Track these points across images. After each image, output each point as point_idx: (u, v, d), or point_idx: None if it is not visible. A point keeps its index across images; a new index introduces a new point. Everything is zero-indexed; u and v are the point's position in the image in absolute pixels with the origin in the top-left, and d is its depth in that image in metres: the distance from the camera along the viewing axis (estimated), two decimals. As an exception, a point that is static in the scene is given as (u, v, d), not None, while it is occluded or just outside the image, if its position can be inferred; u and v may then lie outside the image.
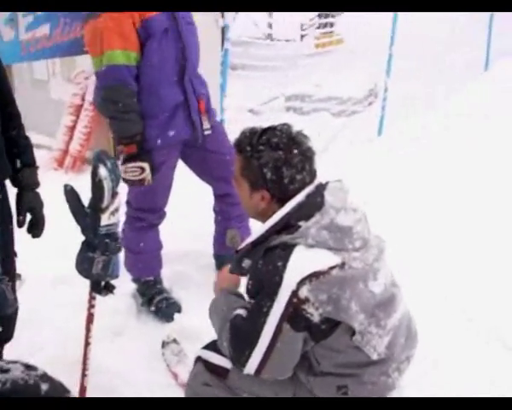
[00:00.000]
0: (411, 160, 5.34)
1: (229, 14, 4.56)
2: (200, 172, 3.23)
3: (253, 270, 1.81)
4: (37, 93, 6.50)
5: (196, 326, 2.93)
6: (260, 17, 10.54)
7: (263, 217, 1.85)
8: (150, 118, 2.85)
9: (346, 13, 8.49)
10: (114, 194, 1.92)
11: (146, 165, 2.81)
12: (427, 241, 3.82)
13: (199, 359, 2.06)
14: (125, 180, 2.83)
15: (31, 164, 2.34)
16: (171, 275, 3.40)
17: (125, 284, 3.19)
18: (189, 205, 4.16)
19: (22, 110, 2.34)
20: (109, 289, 2.08)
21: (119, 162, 2.77)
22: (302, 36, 10.97)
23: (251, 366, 1.76)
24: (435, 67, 8.38)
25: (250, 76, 5.71)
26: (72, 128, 6.36)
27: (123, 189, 2.76)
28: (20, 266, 2.45)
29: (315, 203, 1.78)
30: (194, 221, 4.00)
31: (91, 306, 2.10)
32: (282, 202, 1.80)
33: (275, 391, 1.87)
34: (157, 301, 3.15)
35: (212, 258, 3.50)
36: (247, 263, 1.86)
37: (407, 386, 1.97)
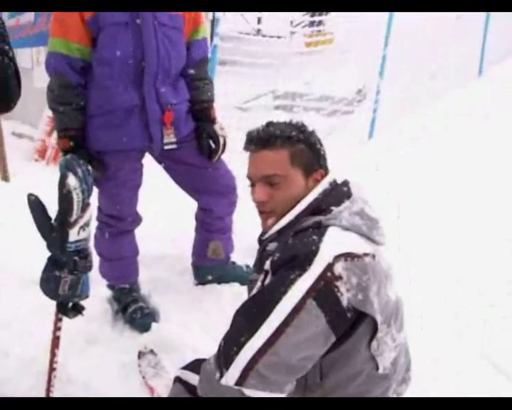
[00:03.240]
0: (411, 160, 5.32)
1: (219, 8, 4.41)
2: (183, 185, 3.06)
3: (281, 246, 1.62)
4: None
5: (175, 336, 2.82)
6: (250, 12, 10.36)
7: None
8: (97, 116, 2.64)
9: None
10: (85, 206, 1.75)
11: None
12: (426, 241, 3.80)
13: (178, 379, 1.93)
14: None
15: None
16: (149, 280, 3.25)
17: (100, 287, 3.06)
18: (166, 206, 4.05)
19: (5, 98, 2.18)
20: (78, 310, 1.92)
21: None
22: (292, 32, 10.85)
23: (245, 354, 1.47)
24: (428, 69, 8.34)
25: (239, 72, 5.59)
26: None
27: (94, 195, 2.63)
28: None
29: (342, 191, 1.73)
30: (172, 223, 3.89)
31: (57, 328, 1.94)
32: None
33: None
34: (131, 311, 2.99)
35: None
36: (272, 246, 1.69)
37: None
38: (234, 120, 5.22)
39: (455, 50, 8.78)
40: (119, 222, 2.90)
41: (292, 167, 1.70)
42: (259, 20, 10.79)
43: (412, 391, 1.89)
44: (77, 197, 1.70)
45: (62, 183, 1.72)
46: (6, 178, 4.98)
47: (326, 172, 1.78)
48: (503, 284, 3.40)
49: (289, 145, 1.71)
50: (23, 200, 2.16)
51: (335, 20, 8.55)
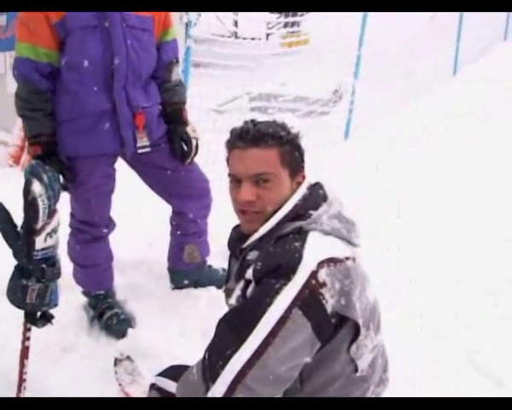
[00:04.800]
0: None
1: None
2: (156, 189, 3.02)
3: (263, 255, 1.59)
4: (-7, 87, 6.28)
5: (151, 342, 2.79)
6: (226, 14, 10.30)
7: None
8: (67, 121, 2.59)
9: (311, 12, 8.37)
10: (52, 212, 1.71)
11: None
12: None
13: (154, 386, 1.90)
14: None
15: None
16: (125, 285, 3.22)
17: (75, 294, 3.02)
18: (142, 210, 4.02)
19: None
20: (47, 318, 1.87)
21: None
22: (268, 34, 10.83)
23: (232, 367, 1.44)
24: (402, 70, 8.39)
25: (214, 75, 5.57)
26: (29, 124, 6.11)
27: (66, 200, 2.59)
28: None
29: (319, 195, 1.71)
30: (149, 228, 3.84)
31: (26, 338, 1.89)
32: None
33: None
34: (107, 318, 2.96)
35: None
36: (253, 255, 1.65)
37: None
38: (209, 123, 5.18)
39: (429, 51, 8.84)
40: (92, 228, 2.87)
41: (281, 167, 1.67)
42: (235, 23, 10.77)
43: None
44: (42, 204, 1.67)
45: (27, 189, 1.68)
46: (-21, 186, 4.89)
47: (305, 175, 1.77)
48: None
49: (279, 145, 1.67)
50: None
51: (311, 21, 8.53)
